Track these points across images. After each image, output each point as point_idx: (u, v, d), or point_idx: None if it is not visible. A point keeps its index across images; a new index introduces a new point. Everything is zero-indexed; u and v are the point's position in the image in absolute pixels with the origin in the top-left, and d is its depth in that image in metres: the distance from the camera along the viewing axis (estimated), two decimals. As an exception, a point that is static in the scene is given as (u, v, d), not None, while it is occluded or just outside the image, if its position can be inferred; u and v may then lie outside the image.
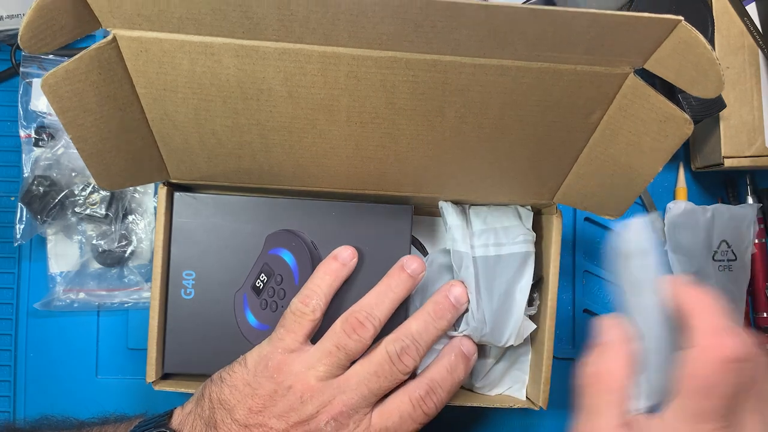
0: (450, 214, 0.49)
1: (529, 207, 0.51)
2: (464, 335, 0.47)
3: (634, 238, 0.34)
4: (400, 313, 0.46)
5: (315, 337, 0.44)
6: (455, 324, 0.47)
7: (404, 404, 0.43)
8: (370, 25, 0.32)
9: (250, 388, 0.42)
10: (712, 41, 0.55)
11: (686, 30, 0.31)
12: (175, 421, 0.43)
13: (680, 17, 0.31)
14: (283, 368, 0.42)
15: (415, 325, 0.44)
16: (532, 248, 0.50)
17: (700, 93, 0.33)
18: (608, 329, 0.35)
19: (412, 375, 0.44)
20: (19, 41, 0.30)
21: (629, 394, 0.33)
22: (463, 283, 0.47)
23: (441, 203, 0.50)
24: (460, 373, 0.45)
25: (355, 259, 0.46)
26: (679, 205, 0.60)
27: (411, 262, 0.46)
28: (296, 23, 0.33)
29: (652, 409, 0.32)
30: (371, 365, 0.43)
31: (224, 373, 0.44)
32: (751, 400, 0.30)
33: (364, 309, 0.44)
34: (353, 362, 0.43)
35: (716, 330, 0.30)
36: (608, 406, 0.33)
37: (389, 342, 0.43)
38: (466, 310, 0.47)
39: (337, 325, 0.44)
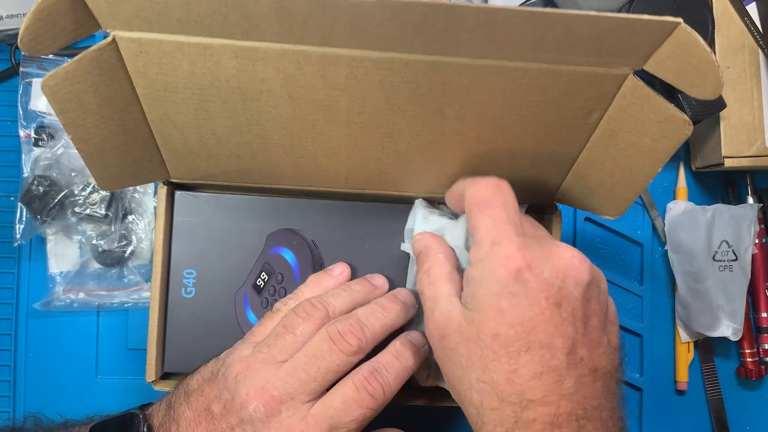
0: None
1: (524, 205, 0.50)
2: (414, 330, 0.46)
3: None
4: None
5: None
6: None
7: (347, 388, 0.40)
8: (369, 28, 0.32)
9: (210, 374, 0.42)
10: (712, 41, 0.55)
11: (685, 32, 0.31)
12: (148, 408, 0.44)
13: (679, 19, 0.31)
14: (235, 352, 0.42)
15: (360, 311, 0.43)
16: None
17: (700, 95, 0.33)
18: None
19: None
20: (19, 44, 0.30)
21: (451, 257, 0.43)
22: (411, 291, 0.47)
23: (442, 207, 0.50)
24: (408, 359, 0.42)
25: (345, 275, 0.47)
26: (679, 205, 0.60)
27: (376, 278, 0.47)
28: (295, 25, 0.33)
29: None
30: (309, 348, 0.40)
31: (201, 366, 0.44)
32: None
33: (320, 296, 0.44)
34: None
35: None
36: (442, 262, 0.42)
37: (330, 324, 0.41)
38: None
39: (291, 310, 0.43)
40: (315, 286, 0.46)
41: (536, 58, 0.35)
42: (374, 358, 0.42)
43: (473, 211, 0.39)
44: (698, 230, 0.59)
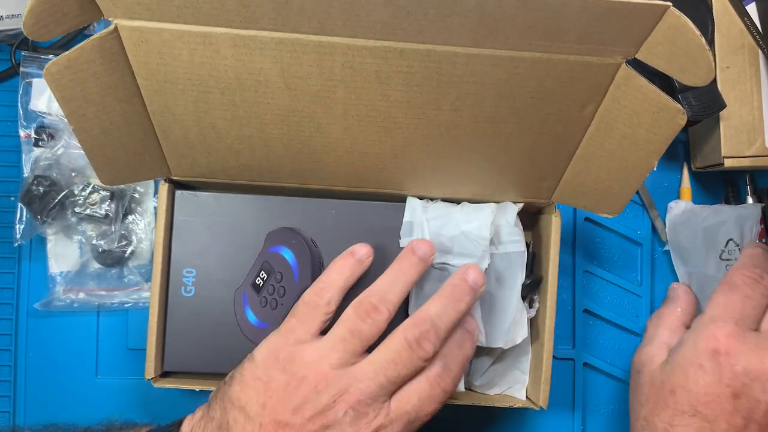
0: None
1: (520, 203, 0.50)
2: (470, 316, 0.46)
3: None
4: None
5: None
6: None
7: (422, 385, 0.41)
8: (363, 13, 0.33)
9: (261, 382, 0.40)
10: (712, 41, 0.56)
11: (675, 16, 0.31)
12: (185, 428, 0.42)
13: (668, 3, 0.31)
14: (295, 359, 0.41)
15: (434, 309, 0.42)
16: (518, 247, 0.49)
17: (691, 80, 0.33)
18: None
19: None
20: (22, 27, 0.31)
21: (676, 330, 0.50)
22: (478, 266, 0.45)
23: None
24: (468, 348, 0.44)
25: (371, 258, 0.45)
26: (680, 205, 0.60)
27: (421, 245, 0.44)
28: (292, 11, 0.33)
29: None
30: (389, 352, 0.41)
31: (234, 372, 0.42)
32: None
33: (377, 293, 0.42)
34: (368, 351, 0.42)
35: None
36: (676, 315, 0.51)
37: (407, 328, 0.41)
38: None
39: (350, 310, 0.42)
40: (347, 272, 0.44)
41: (529, 46, 0.35)
42: (443, 353, 0.42)
43: (719, 289, 0.47)
44: (698, 230, 0.59)
